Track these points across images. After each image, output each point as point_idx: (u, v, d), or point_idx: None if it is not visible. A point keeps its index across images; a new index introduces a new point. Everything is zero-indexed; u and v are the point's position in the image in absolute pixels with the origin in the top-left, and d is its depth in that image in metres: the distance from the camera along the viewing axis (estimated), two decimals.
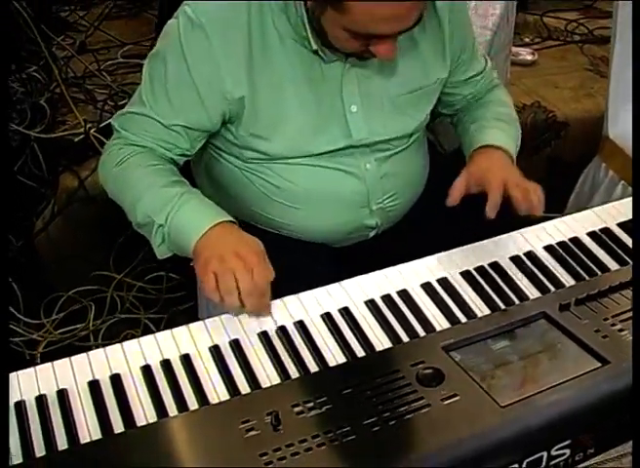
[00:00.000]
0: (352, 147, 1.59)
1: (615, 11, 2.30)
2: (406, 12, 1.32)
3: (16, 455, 1.08)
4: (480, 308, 1.39)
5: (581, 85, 3.12)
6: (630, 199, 1.67)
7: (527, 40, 3.49)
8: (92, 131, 2.51)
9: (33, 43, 2.62)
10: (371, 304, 1.38)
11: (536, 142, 2.91)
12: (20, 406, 1.15)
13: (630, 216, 1.61)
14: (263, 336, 1.30)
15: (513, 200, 1.48)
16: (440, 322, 1.35)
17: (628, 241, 1.55)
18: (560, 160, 2.93)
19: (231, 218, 1.42)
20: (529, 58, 3.27)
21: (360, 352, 1.29)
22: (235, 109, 1.51)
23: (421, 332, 1.33)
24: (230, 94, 1.48)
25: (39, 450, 1.09)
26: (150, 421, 1.14)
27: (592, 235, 1.58)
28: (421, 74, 1.61)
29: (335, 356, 1.28)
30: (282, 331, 1.32)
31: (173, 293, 2.57)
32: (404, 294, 1.40)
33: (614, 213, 1.63)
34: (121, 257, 2.53)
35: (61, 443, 1.10)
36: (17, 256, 2.40)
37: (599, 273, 1.47)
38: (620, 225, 1.60)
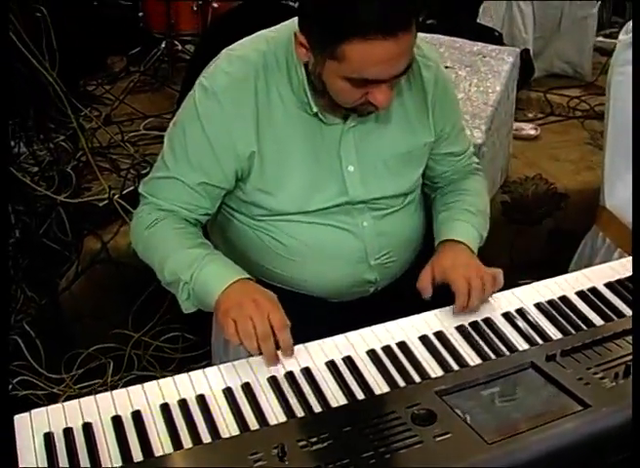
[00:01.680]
0: (349, 204, 1.70)
1: (608, 88, 2.40)
2: (397, 55, 1.45)
3: None
4: (472, 359, 1.47)
5: (582, 158, 3.21)
6: (617, 262, 1.76)
7: (530, 116, 3.61)
8: (115, 197, 2.65)
9: (62, 114, 2.77)
10: (372, 354, 1.47)
11: (537, 213, 2.98)
12: (49, 437, 1.24)
13: (615, 278, 1.69)
14: (272, 380, 1.39)
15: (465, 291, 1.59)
16: (435, 370, 1.43)
17: (613, 299, 1.63)
18: (560, 230, 2.99)
19: (249, 276, 1.56)
20: (532, 132, 3.38)
21: (360, 395, 1.37)
22: (246, 166, 1.64)
23: (417, 379, 1.41)
24: (242, 152, 1.62)
25: None
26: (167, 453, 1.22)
27: (580, 294, 1.65)
28: (411, 138, 1.73)
29: (337, 398, 1.36)
30: (289, 375, 1.41)
31: (188, 353, 2.64)
32: (403, 346, 1.49)
33: (601, 274, 1.71)
34: (139, 317, 2.61)
35: None
36: (40, 314, 2.50)
37: (584, 328, 1.55)
38: (607, 285, 1.68)
